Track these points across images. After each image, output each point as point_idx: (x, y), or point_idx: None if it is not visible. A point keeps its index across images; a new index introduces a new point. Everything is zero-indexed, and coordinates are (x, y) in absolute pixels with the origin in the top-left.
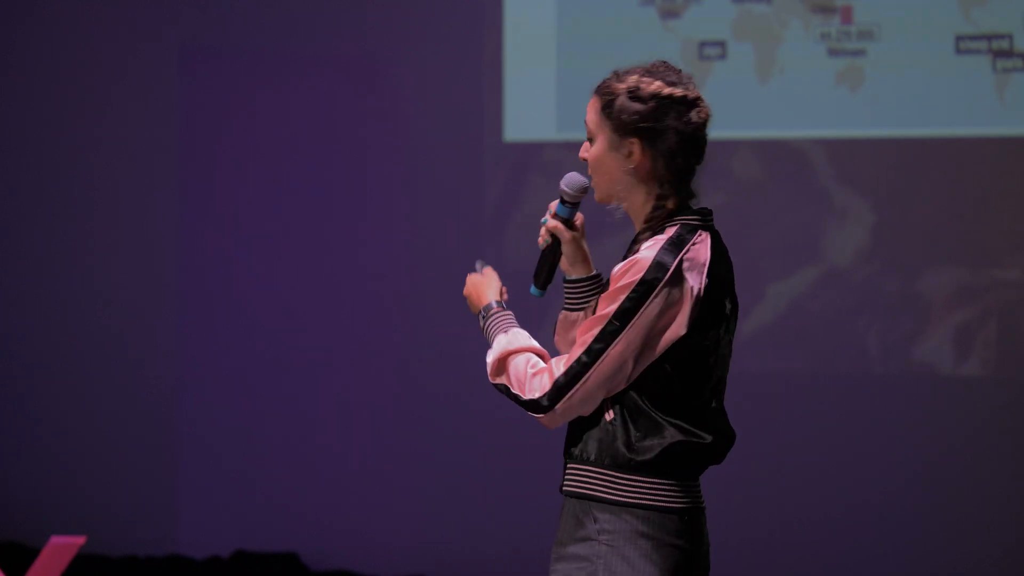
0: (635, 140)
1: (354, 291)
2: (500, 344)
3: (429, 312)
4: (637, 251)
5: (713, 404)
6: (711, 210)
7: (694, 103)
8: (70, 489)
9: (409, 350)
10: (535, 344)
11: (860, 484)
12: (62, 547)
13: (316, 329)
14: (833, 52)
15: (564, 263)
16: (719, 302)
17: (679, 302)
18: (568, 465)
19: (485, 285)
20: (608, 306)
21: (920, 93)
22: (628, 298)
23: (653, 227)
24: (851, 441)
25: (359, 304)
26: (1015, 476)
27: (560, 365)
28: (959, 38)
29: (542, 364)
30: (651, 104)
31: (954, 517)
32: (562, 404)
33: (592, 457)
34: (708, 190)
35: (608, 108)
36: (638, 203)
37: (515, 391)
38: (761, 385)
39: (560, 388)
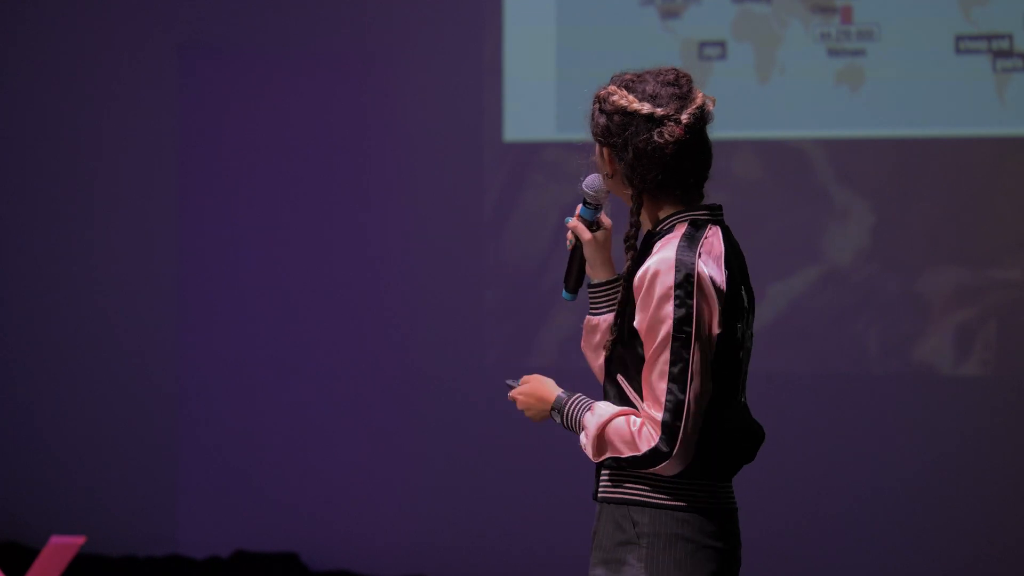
0: (605, 148)
1: (354, 291)
2: (590, 423)
3: (429, 312)
4: (650, 253)
5: (741, 400)
6: (720, 205)
7: (660, 121)
8: (70, 489)
9: (409, 350)
10: (622, 407)
11: (860, 484)
12: (62, 547)
13: (316, 329)
14: (833, 52)
15: (588, 266)
16: (738, 294)
17: (711, 297)
18: (603, 471)
19: (538, 387)
20: (657, 327)
21: (920, 93)
22: (676, 306)
23: (662, 230)
24: (851, 441)
25: (359, 304)
26: (1015, 476)
27: (652, 408)
28: (959, 38)
29: (638, 419)
30: (615, 118)
31: (954, 517)
32: (680, 440)
33: None
34: (709, 190)
35: (591, 113)
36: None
37: (627, 455)
38: (761, 385)
39: (670, 427)
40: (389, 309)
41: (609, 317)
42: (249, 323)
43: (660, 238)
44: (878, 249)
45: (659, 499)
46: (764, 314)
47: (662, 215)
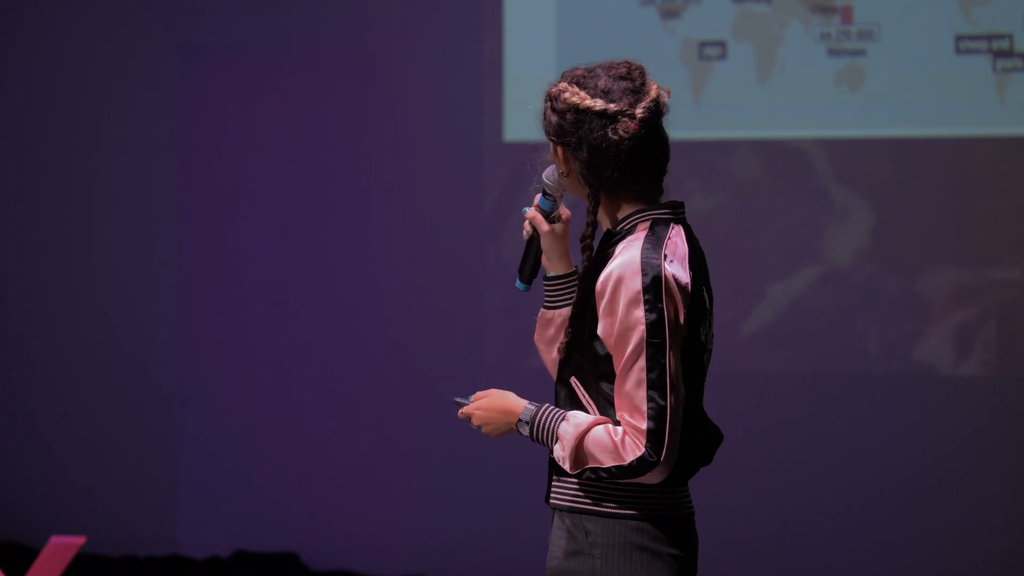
0: (559, 147)
1: (354, 291)
2: (567, 433)
3: (429, 311)
4: (612, 255)
5: (701, 403)
6: (682, 203)
7: (614, 117)
8: (70, 489)
9: (409, 349)
10: (597, 415)
11: (860, 484)
12: (62, 547)
13: (316, 328)
14: (833, 52)
15: (544, 258)
16: (700, 296)
17: (678, 299)
18: (555, 476)
19: (499, 400)
20: (628, 334)
21: (920, 93)
22: (647, 311)
23: (622, 230)
24: (851, 441)
25: (359, 304)
26: (1015, 476)
27: (633, 417)
28: (959, 38)
29: (619, 428)
30: (567, 116)
31: (954, 517)
32: (666, 446)
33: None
34: (709, 190)
35: (542, 111)
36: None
37: (610, 465)
38: (761, 385)
39: (656, 434)
40: (389, 309)
41: (564, 311)
42: (249, 323)
43: (621, 239)
44: (878, 249)
45: (612, 508)
46: (764, 314)
47: (621, 215)
